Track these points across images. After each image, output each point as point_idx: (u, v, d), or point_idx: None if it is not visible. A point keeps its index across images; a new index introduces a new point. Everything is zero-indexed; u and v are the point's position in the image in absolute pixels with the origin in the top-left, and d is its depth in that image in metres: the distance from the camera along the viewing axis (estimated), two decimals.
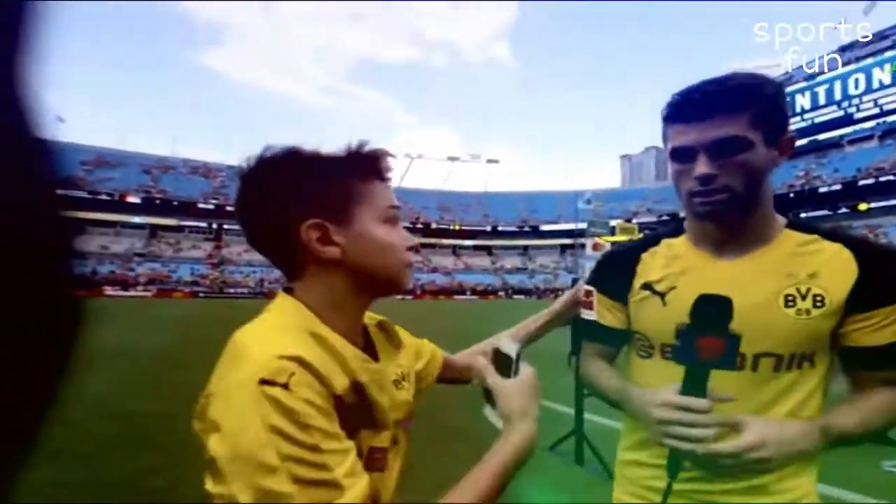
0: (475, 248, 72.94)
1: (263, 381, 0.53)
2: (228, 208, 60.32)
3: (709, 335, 0.69)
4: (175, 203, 57.30)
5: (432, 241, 71.15)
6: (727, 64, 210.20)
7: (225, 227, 60.70)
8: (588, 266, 3.42)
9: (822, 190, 51.62)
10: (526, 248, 73.07)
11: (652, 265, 0.91)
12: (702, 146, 0.78)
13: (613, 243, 3.59)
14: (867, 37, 52.85)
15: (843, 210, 49.91)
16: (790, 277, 0.78)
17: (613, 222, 3.39)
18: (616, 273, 0.97)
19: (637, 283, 0.92)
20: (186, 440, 3.22)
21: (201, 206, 59.01)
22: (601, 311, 1.01)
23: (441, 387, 1.01)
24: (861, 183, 48.69)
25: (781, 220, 0.86)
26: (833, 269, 0.77)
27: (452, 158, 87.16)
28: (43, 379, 0.25)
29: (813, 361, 0.79)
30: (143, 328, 13.29)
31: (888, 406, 0.77)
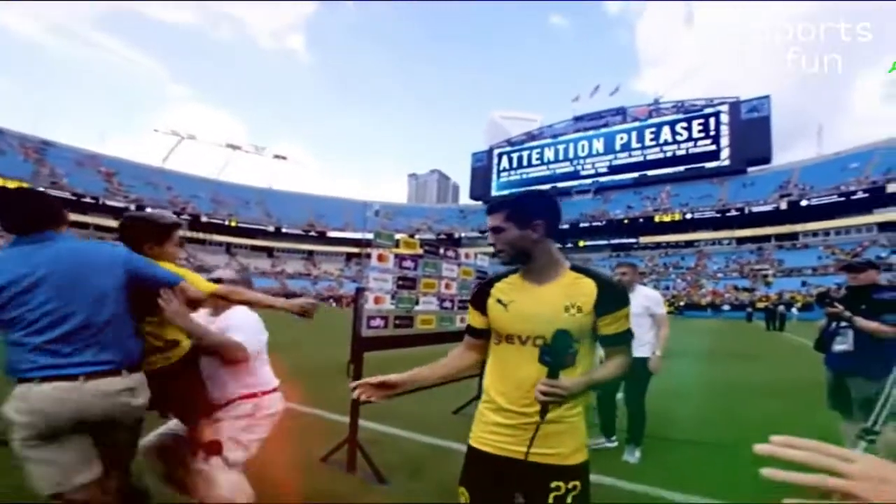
0: (253, 248, 66.62)
1: None
2: None
3: (569, 353, 1.25)
4: None
5: (201, 235, 62.05)
6: (494, 113, 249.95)
7: None
8: (373, 276, 3.47)
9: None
10: (311, 252, 70.38)
11: (501, 288, 1.50)
12: (489, 228, 1.48)
13: (397, 256, 3.73)
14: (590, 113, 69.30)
15: (569, 245, 63.66)
16: (567, 297, 1.38)
17: (398, 236, 3.41)
18: (481, 294, 1.53)
19: (492, 299, 1.48)
20: None
21: None
22: (473, 317, 1.57)
23: None
24: (581, 225, 62.88)
25: (567, 264, 1.47)
26: (585, 291, 1.38)
27: (233, 146, 77.50)
28: None
29: (582, 342, 1.36)
30: None
31: (617, 366, 1.41)
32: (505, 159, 77.91)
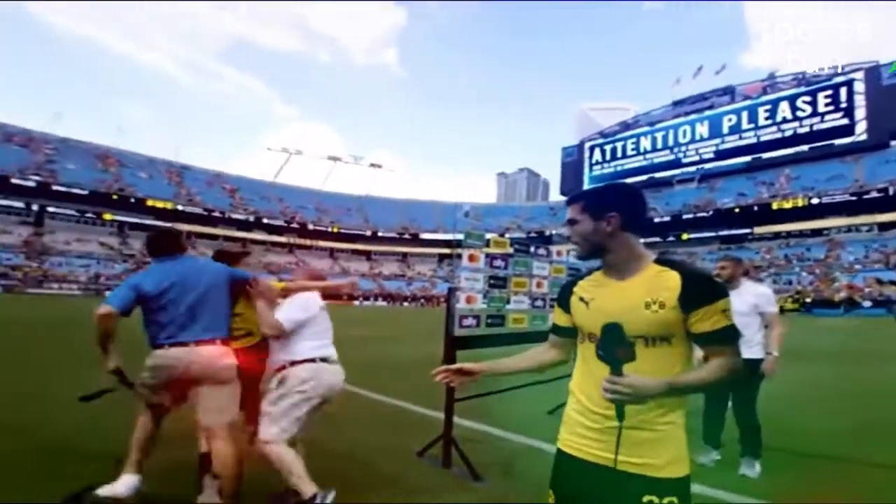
0: (353, 251, 71.22)
1: None
2: (56, 188, 50.54)
3: (621, 346, 1.17)
4: None
5: (308, 242, 67.76)
6: (584, 105, 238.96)
7: (50, 209, 50.67)
8: (464, 276, 3.46)
9: (656, 220, 60.71)
10: (405, 255, 73.48)
11: (584, 286, 1.46)
12: (567, 220, 1.48)
13: (487, 255, 3.69)
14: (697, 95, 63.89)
15: (671, 238, 59.28)
16: (649, 292, 1.28)
17: (488, 236, 3.51)
18: (565, 292, 1.52)
19: (575, 297, 1.46)
20: None
21: (16, 181, 48.42)
22: (557, 315, 1.57)
23: None
24: (684, 217, 58.22)
25: (650, 257, 1.37)
26: (669, 285, 1.27)
27: (334, 158, 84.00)
28: None
29: (670, 341, 1.27)
30: None
31: (716, 369, 1.24)
32: (597, 152, 74.69)
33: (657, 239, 60.16)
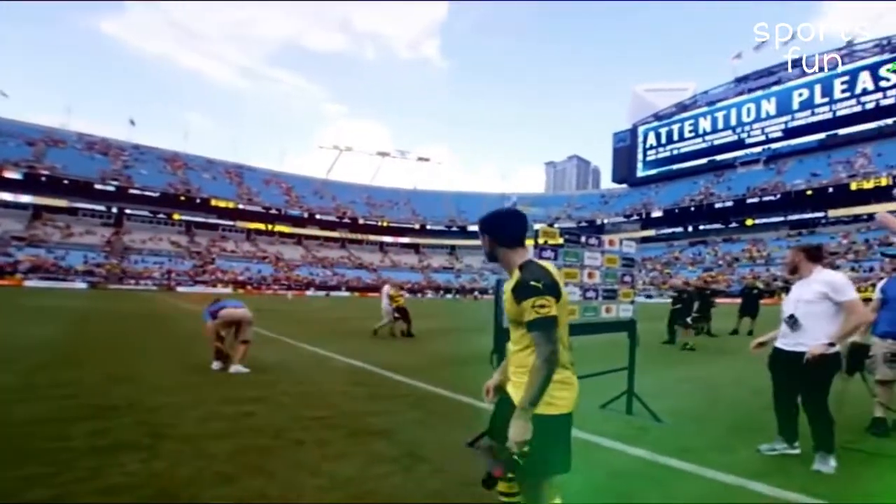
0: (403, 245, 72.47)
1: None
2: (132, 191, 54.77)
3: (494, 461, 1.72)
4: (66, 182, 50.84)
5: (359, 236, 69.63)
6: (637, 87, 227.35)
7: (127, 211, 55.04)
8: None
9: (717, 206, 57.40)
10: (453, 247, 73.88)
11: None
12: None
13: (535, 245, 3.51)
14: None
15: (734, 224, 55.87)
16: (509, 289, 1.70)
17: (537, 226, 3.41)
18: None
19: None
20: (72, 447, 3.02)
21: (98, 187, 52.93)
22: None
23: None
24: (748, 201, 54.68)
25: (520, 262, 1.73)
26: (513, 285, 1.68)
27: (382, 153, 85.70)
28: None
29: (523, 324, 1.62)
30: (23, 321, 11.50)
31: (532, 367, 1.58)
32: (652, 136, 71.42)
33: (719, 225, 56.93)
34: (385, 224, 71.58)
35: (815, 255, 3.38)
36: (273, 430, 3.62)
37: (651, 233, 62.56)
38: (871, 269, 38.80)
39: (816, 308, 3.19)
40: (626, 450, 3.36)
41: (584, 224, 67.22)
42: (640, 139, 72.36)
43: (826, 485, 2.88)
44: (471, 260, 70.13)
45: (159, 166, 61.54)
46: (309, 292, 49.49)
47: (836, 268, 40.64)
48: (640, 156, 72.07)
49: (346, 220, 68.82)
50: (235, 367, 5.94)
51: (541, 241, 3.73)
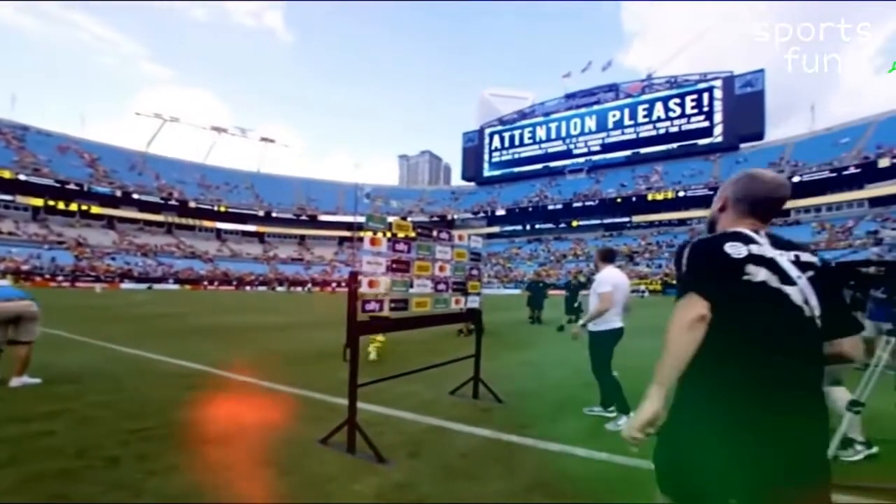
0: (244, 233, 65.86)
1: None
2: None
3: None
4: None
5: (191, 221, 61.17)
6: (485, 91, 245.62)
7: None
8: (366, 259, 3.34)
9: (550, 207, 64.55)
10: (303, 237, 69.75)
11: None
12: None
13: (390, 239, 3.66)
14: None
15: (563, 225, 63.48)
16: None
17: (391, 219, 3.30)
18: None
19: None
20: None
21: None
22: None
23: None
24: (574, 205, 62.63)
25: None
26: None
27: (218, 129, 75.95)
28: None
29: None
30: None
31: None
32: (496, 139, 77.08)
33: (551, 225, 64.12)
34: (223, 209, 63.98)
35: (606, 256, 4.21)
36: (75, 449, 3.12)
37: (496, 229, 67.60)
38: (660, 266, 47.53)
39: (593, 297, 4.06)
40: (472, 431, 3.69)
41: (435, 218, 69.45)
42: (487, 141, 77.56)
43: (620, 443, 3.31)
44: (322, 251, 67.08)
45: None
46: (124, 285, 41.81)
47: (636, 264, 49.05)
48: (486, 156, 77.21)
49: (172, 202, 59.75)
50: (19, 380, 4.55)
51: (399, 234, 3.84)
